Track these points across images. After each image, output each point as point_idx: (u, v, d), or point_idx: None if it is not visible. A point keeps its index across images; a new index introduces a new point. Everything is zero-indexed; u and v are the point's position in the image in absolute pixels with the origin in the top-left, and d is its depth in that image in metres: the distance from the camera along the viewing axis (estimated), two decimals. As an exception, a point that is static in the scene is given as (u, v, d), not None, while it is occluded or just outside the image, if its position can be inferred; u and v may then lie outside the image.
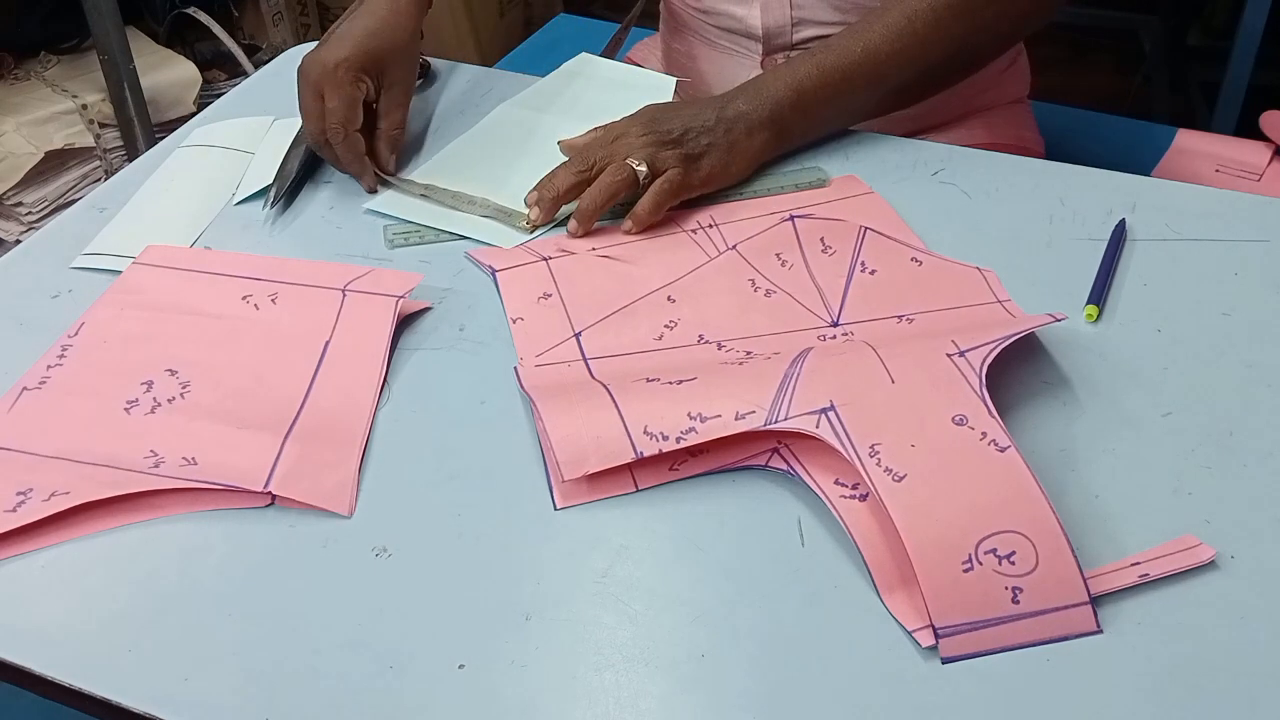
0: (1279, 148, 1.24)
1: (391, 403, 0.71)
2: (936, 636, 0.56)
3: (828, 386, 0.65)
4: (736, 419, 0.64)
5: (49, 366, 0.74)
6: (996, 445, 0.61)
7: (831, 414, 0.63)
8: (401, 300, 0.76)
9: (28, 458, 0.67)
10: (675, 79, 1.00)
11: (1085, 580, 0.57)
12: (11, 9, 1.94)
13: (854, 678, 0.55)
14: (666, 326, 0.75)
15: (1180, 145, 1.30)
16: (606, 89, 1.01)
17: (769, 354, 0.71)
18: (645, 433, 0.64)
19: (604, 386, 0.68)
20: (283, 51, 1.12)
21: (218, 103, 1.04)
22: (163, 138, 1.00)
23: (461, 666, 0.57)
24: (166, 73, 2.00)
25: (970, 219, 0.84)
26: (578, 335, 0.75)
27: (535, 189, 0.85)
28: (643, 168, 0.82)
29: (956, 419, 0.62)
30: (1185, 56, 2.22)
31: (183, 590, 0.61)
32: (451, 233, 0.85)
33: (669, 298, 0.78)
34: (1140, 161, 1.26)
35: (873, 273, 0.78)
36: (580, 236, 0.83)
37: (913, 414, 0.63)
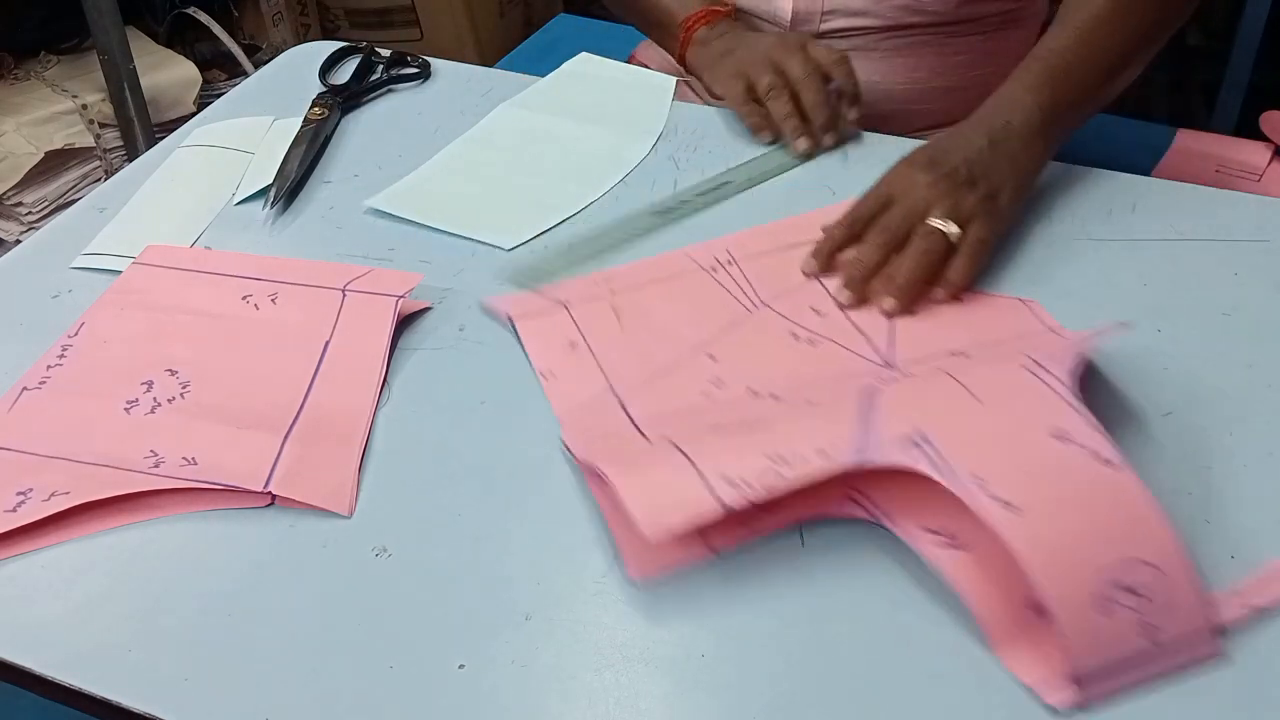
0: (1279, 148, 1.24)
1: (391, 403, 0.71)
2: (1077, 683, 0.52)
3: (911, 416, 0.59)
4: (820, 456, 0.58)
5: (49, 366, 0.74)
6: (1106, 462, 0.56)
7: (926, 445, 0.57)
8: (401, 300, 0.76)
9: (28, 458, 0.67)
10: (675, 79, 1.00)
11: (1207, 606, 0.55)
12: (11, 9, 1.94)
13: (854, 677, 0.55)
14: (713, 384, 0.70)
15: (1180, 145, 1.31)
16: (606, 89, 1.01)
17: (831, 398, 0.65)
18: (725, 479, 0.58)
19: (667, 439, 0.62)
20: (283, 51, 1.12)
21: (218, 103, 1.04)
22: (163, 138, 1.00)
23: (461, 666, 0.57)
24: (166, 73, 2.00)
25: (970, 219, 0.84)
26: (621, 401, 0.69)
27: (826, 261, 0.78)
28: (952, 229, 0.75)
29: (1056, 434, 0.57)
30: (1185, 56, 2.22)
31: (183, 590, 0.61)
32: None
33: (710, 355, 0.72)
34: (1140, 161, 1.26)
35: (914, 313, 0.74)
36: (894, 315, 0.74)
37: (1010, 434, 0.58)
